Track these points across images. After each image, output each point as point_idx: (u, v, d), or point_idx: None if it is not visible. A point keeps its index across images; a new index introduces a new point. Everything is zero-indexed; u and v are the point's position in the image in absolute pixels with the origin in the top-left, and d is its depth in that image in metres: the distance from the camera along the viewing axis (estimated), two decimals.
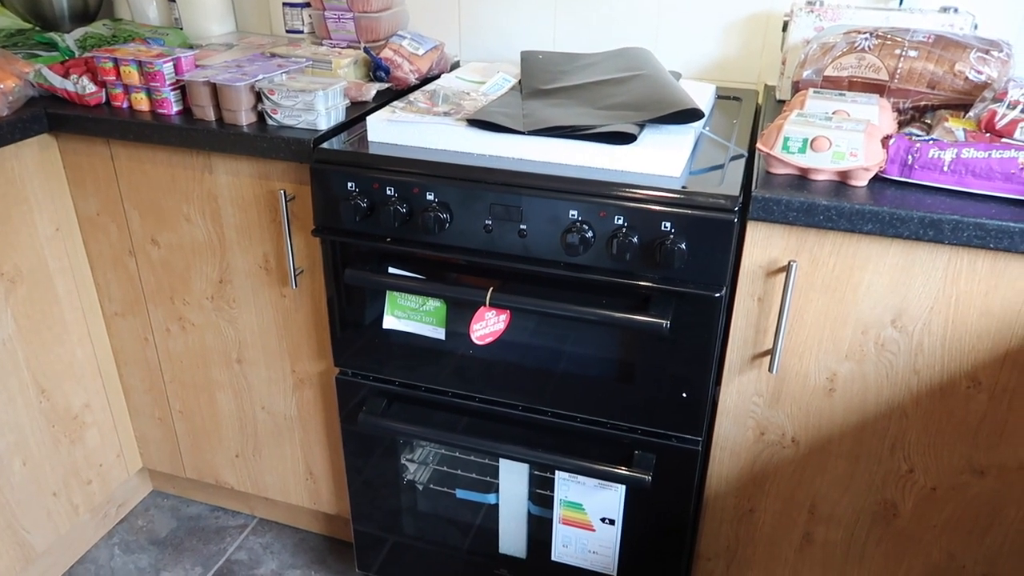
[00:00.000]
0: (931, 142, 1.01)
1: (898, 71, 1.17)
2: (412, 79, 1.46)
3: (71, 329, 1.53)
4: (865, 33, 1.21)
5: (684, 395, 1.17)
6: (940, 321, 1.04)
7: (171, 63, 1.31)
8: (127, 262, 1.50)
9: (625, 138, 1.12)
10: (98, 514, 1.74)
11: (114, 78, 1.34)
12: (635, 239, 1.07)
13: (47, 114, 1.35)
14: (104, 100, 1.38)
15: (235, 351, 1.52)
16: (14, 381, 1.44)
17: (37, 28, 1.64)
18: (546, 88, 1.31)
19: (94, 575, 1.67)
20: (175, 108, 1.33)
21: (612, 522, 1.32)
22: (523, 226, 1.12)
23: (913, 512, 1.18)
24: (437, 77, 1.51)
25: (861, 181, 1.03)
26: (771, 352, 1.10)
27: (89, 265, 1.54)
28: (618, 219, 1.07)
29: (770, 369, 1.11)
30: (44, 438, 1.52)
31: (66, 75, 1.37)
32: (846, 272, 1.05)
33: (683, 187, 1.06)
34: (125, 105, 1.36)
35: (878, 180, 1.04)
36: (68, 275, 1.50)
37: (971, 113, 1.10)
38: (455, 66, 1.65)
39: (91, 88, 1.35)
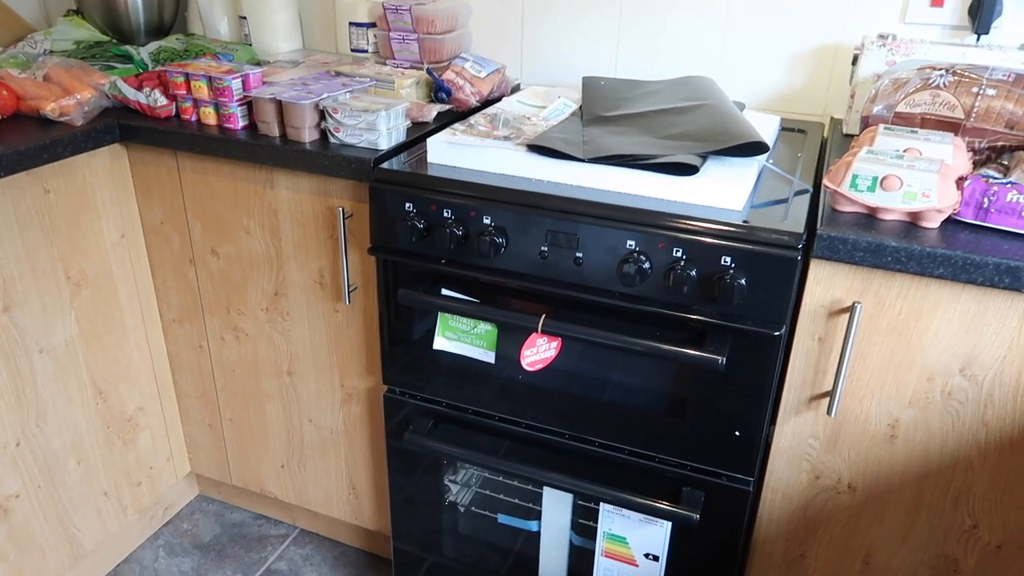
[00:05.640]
0: (1009, 185, 0.97)
1: (975, 110, 1.13)
2: (473, 101, 1.47)
3: (130, 333, 1.57)
4: (941, 69, 1.18)
5: (737, 433, 1.14)
6: (1013, 372, 0.99)
7: (240, 79, 1.34)
8: (187, 271, 1.53)
9: (687, 169, 1.10)
10: (145, 516, 1.77)
11: (184, 92, 1.38)
12: (693, 272, 1.05)
13: (119, 125, 1.40)
14: (174, 113, 1.42)
15: (286, 363, 1.53)
16: (74, 382, 1.48)
17: (114, 41, 1.70)
18: (607, 115, 1.31)
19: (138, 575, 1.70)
20: (241, 123, 1.36)
21: (656, 558, 1.29)
22: (579, 254, 1.11)
23: (976, 570, 1.12)
24: (498, 100, 1.52)
25: (933, 223, 0.99)
26: (830, 394, 1.07)
27: (151, 272, 1.57)
28: (676, 251, 1.05)
29: (828, 412, 1.07)
30: (99, 439, 1.55)
31: (139, 87, 1.41)
32: (913, 316, 1.01)
33: (745, 221, 1.03)
34: (194, 119, 1.40)
35: (950, 222, 1.01)
36: (130, 281, 1.54)
37: None
38: (516, 89, 1.66)
39: (162, 101, 1.39)
